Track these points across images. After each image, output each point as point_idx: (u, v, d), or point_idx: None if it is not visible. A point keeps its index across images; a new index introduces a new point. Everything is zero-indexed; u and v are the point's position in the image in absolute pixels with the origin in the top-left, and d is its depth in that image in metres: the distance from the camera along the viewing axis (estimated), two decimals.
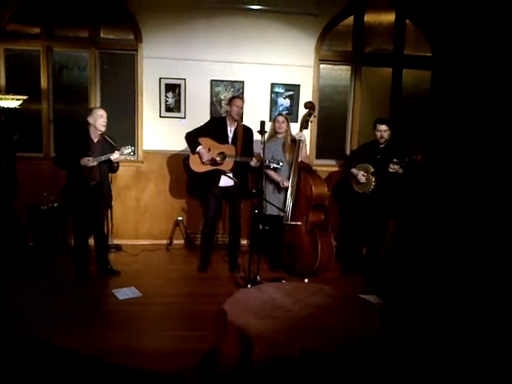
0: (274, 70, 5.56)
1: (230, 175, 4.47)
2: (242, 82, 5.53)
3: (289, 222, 4.60)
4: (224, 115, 4.98)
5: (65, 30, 5.37)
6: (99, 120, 4.18)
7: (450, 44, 5.57)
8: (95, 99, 5.43)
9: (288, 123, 4.70)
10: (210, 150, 4.54)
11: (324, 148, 5.86)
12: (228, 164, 4.54)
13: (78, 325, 3.46)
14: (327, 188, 4.65)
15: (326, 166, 5.72)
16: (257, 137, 4.52)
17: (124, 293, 4.10)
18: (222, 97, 5.50)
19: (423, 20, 5.67)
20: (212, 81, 5.48)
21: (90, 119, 4.20)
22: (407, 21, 5.70)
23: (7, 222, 5.02)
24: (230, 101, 4.67)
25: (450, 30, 5.52)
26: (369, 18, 5.68)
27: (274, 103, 5.62)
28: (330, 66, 5.78)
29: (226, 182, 4.62)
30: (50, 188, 4.98)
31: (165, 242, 5.58)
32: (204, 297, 4.11)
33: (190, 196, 5.62)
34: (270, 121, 5.22)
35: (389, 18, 5.73)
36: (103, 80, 5.50)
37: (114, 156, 4.21)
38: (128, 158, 4.71)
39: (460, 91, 5.50)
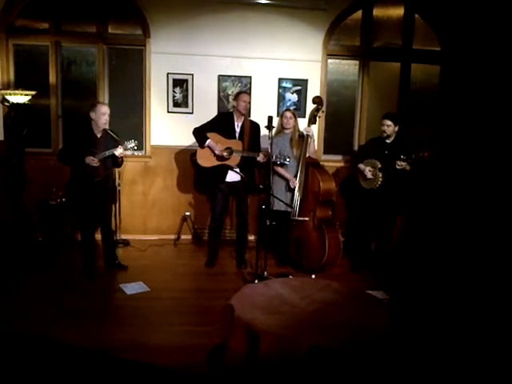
0: (282, 64, 5.54)
1: (237, 170, 4.47)
2: (250, 77, 5.52)
3: (296, 218, 4.60)
4: (231, 110, 4.98)
5: (73, 25, 5.39)
6: (102, 117, 4.14)
7: (458, 38, 5.52)
8: (103, 94, 5.45)
9: (295, 118, 4.69)
10: (217, 144, 4.54)
11: (332, 143, 5.85)
12: (235, 159, 4.53)
13: (86, 320, 3.48)
14: (335, 183, 4.64)
15: (334, 162, 5.71)
16: (264, 132, 4.51)
17: (132, 288, 4.12)
18: (230, 92, 5.50)
19: (432, 14, 5.62)
20: (219, 76, 5.48)
21: (92, 115, 4.15)
22: (416, 15, 5.66)
23: (16, 216, 5.07)
24: (237, 96, 4.66)
25: (459, 24, 5.47)
26: (377, 12, 5.65)
27: (281, 98, 5.61)
28: (337, 60, 5.76)
29: (232, 177, 4.62)
30: (58, 183, 5.01)
31: (172, 237, 5.60)
32: (211, 292, 4.12)
33: (197, 191, 5.64)
34: (277, 116, 5.21)
35: (397, 12, 5.69)
36: (111, 75, 5.51)
37: (118, 151, 4.18)
38: (133, 152, 4.72)
39: (469, 86, 5.45)
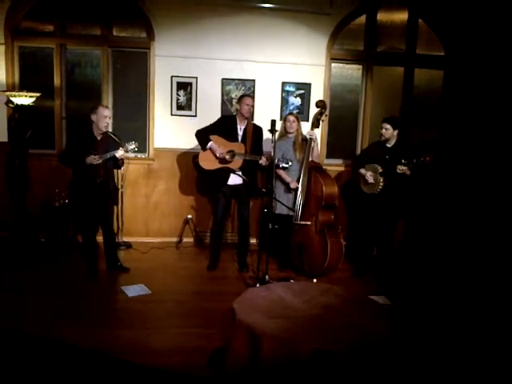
0: (285, 68, 5.56)
1: (239, 173, 4.47)
2: (253, 81, 5.54)
3: (298, 222, 4.59)
4: (234, 114, 4.99)
5: (78, 27, 5.41)
6: (102, 120, 4.15)
7: (462, 43, 5.53)
8: (107, 97, 5.47)
9: (299, 122, 4.69)
10: (220, 146, 4.54)
11: (335, 147, 5.85)
12: (237, 162, 4.54)
13: (88, 321, 3.49)
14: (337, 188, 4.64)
15: (337, 166, 5.71)
16: (267, 136, 4.51)
17: (133, 290, 4.13)
18: (233, 95, 5.51)
19: (436, 19, 5.63)
20: (223, 79, 5.49)
21: (94, 117, 4.16)
22: (420, 20, 5.67)
23: (19, 217, 5.09)
24: (240, 99, 4.66)
25: (463, 29, 5.47)
26: (381, 16, 5.67)
27: (284, 102, 5.62)
28: (341, 64, 5.77)
29: (234, 180, 4.62)
30: (61, 185, 5.02)
31: (174, 239, 5.61)
32: (213, 295, 4.13)
33: (199, 194, 5.65)
34: (280, 119, 5.23)
35: (401, 17, 5.70)
36: (115, 78, 5.54)
37: (119, 153, 4.19)
38: (136, 154, 4.74)
39: (472, 91, 5.45)
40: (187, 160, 5.49)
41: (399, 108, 5.81)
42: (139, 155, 5.39)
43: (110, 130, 5.19)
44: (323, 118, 4.75)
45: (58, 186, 5.06)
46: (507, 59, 5.03)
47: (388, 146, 4.55)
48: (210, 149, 4.54)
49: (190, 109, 5.51)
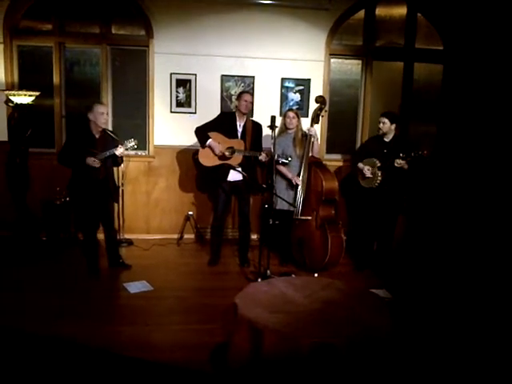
0: (285, 64, 5.55)
1: (239, 169, 4.48)
2: (253, 77, 5.54)
3: (299, 217, 4.61)
4: (234, 110, 4.99)
5: (77, 26, 5.41)
6: (100, 117, 4.15)
7: (461, 37, 5.52)
8: (107, 95, 5.47)
9: (298, 118, 4.69)
10: (219, 144, 4.55)
11: (335, 143, 5.86)
12: (237, 158, 4.55)
13: (90, 318, 3.50)
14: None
15: (336, 161, 5.72)
16: (267, 132, 4.52)
17: (135, 286, 4.14)
18: (233, 92, 5.51)
19: (435, 13, 5.62)
20: (222, 76, 5.49)
21: (91, 116, 4.15)
22: (418, 14, 5.66)
23: (20, 216, 5.10)
24: (239, 96, 4.67)
25: (462, 23, 5.47)
26: (380, 11, 5.66)
27: (284, 98, 5.62)
28: (340, 60, 5.77)
29: (234, 176, 4.63)
30: (62, 183, 5.02)
31: (175, 236, 5.62)
32: (214, 291, 4.14)
33: (199, 191, 5.66)
34: (280, 115, 5.23)
35: (400, 11, 5.69)
36: (115, 76, 5.54)
37: (119, 151, 4.20)
38: (136, 152, 4.75)
39: (472, 85, 5.45)
40: (187, 157, 5.50)
41: (399, 103, 5.81)
42: (139, 153, 5.39)
43: (110, 127, 5.24)
44: (323, 113, 4.76)
45: (59, 185, 5.06)
46: (506, 53, 5.02)
47: (386, 140, 4.57)
48: (209, 146, 4.55)
49: (189, 106, 5.52)
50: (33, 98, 4.97)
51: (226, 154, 4.52)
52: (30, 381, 2.67)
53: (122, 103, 5.57)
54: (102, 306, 3.75)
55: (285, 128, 4.72)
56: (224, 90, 5.52)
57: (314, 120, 4.70)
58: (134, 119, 5.60)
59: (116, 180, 4.67)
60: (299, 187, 4.59)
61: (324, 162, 4.92)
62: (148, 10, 5.30)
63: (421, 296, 4.11)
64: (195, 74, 5.46)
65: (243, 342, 2.50)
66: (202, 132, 4.58)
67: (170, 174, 5.61)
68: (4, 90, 5.05)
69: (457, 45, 5.58)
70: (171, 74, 5.43)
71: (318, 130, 5.36)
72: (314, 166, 4.63)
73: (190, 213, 5.61)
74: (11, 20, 5.21)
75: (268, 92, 5.57)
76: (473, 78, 5.44)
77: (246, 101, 4.57)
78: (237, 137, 4.62)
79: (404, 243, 5.36)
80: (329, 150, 5.84)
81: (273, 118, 4.21)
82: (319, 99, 4.73)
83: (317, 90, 5.54)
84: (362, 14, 5.62)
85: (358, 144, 5.79)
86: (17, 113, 4.98)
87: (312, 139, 4.62)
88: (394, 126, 4.52)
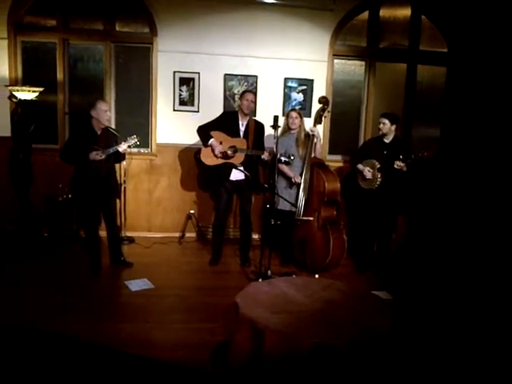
0: (288, 64, 5.55)
1: (241, 168, 4.48)
2: (256, 77, 5.54)
3: (301, 218, 4.61)
4: (236, 109, 4.99)
5: (81, 22, 5.41)
6: (103, 115, 4.17)
7: (465, 39, 5.52)
8: (110, 92, 5.48)
9: (301, 118, 4.69)
10: (221, 143, 4.55)
11: (337, 143, 5.86)
12: (239, 157, 4.55)
13: (91, 315, 3.51)
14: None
15: (337, 162, 5.72)
16: (270, 131, 4.52)
17: (136, 284, 4.15)
18: (236, 91, 5.51)
19: (439, 15, 5.62)
20: (226, 75, 5.50)
21: (94, 113, 4.17)
22: (423, 16, 5.66)
23: (22, 212, 5.11)
24: (242, 95, 4.68)
25: (466, 25, 5.46)
26: (384, 13, 5.66)
27: (287, 98, 5.62)
28: (343, 60, 5.77)
29: (236, 175, 4.63)
30: (65, 179, 5.02)
31: (177, 234, 5.62)
32: (215, 290, 4.15)
33: (201, 189, 5.66)
34: (283, 115, 5.22)
35: (404, 13, 5.69)
36: (118, 73, 5.54)
37: (123, 147, 4.23)
38: (139, 150, 4.75)
39: (475, 87, 5.44)
40: (189, 156, 5.50)
41: (402, 104, 5.81)
42: (142, 150, 5.39)
43: (113, 125, 5.25)
44: (325, 114, 4.76)
45: (61, 181, 5.07)
46: (510, 55, 5.02)
47: (386, 141, 4.57)
48: (211, 146, 4.55)
49: (192, 104, 5.52)
50: (36, 93, 4.97)
51: (229, 152, 4.52)
52: (32, 377, 2.68)
53: (125, 100, 5.57)
54: (104, 304, 3.75)
55: (287, 128, 4.72)
56: (227, 89, 5.53)
57: (317, 120, 4.71)
58: (136, 117, 5.61)
59: (118, 177, 4.67)
60: (301, 187, 4.59)
61: (326, 163, 4.92)
62: (152, 7, 5.30)
63: (422, 297, 4.12)
64: (198, 73, 5.46)
65: (244, 341, 2.50)
66: (204, 131, 4.58)
67: (172, 172, 5.61)
68: (8, 86, 5.05)
69: (461, 47, 5.58)
70: (174, 72, 5.44)
71: (321, 130, 5.36)
72: (317, 166, 4.63)
73: (192, 211, 5.61)
74: (15, 16, 5.21)
75: (271, 92, 5.57)
76: (476, 80, 5.43)
77: (247, 100, 4.58)
78: (239, 136, 4.63)
79: (405, 245, 5.36)
80: (331, 151, 5.84)
81: (275, 118, 4.21)
82: (322, 100, 4.73)
83: (320, 90, 5.54)
84: (366, 14, 5.62)
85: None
86: (20, 108, 4.99)
87: (314, 140, 4.62)
88: (394, 127, 4.53)
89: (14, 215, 5.13)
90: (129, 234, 5.49)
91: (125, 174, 5.32)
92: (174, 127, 5.54)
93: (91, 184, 4.21)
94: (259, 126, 4.74)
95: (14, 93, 4.92)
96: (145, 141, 5.46)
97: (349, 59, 5.77)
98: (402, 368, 2.71)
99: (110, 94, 5.48)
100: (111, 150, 4.19)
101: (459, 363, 3.02)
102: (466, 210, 5.30)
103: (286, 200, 4.47)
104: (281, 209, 4.58)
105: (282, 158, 4.42)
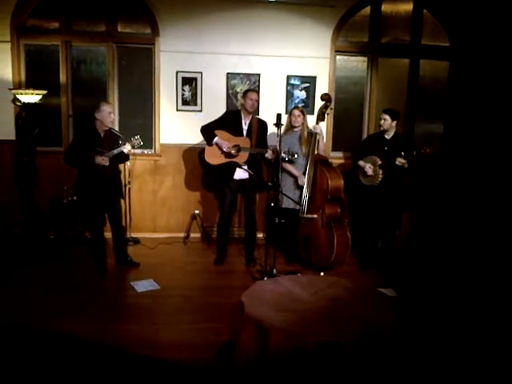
0: (290, 62, 5.54)
1: (245, 167, 4.48)
2: (258, 75, 5.53)
3: (305, 215, 4.60)
4: (239, 108, 4.99)
5: (83, 24, 5.42)
6: (108, 116, 4.17)
7: (467, 34, 5.48)
8: (113, 93, 5.49)
9: (304, 116, 4.67)
10: (225, 141, 4.55)
11: (340, 140, 5.84)
12: (243, 156, 4.55)
13: (97, 316, 3.53)
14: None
15: (340, 159, 5.71)
16: (273, 130, 4.52)
17: (142, 285, 4.16)
18: (238, 90, 5.51)
19: (441, 10, 5.58)
20: (228, 74, 5.49)
21: (98, 115, 4.17)
22: (424, 10, 5.63)
23: (28, 214, 5.14)
24: (245, 94, 4.67)
25: (468, 19, 5.43)
26: (386, 8, 5.63)
27: (289, 95, 5.61)
28: (346, 57, 5.75)
29: (240, 174, 4.63)
30: (69, 182, 5.05)
31: (182, 235, 5.63)
32: (221, 290, 4.15)
33: (205, 189, 5.66)
34: (286, 113, 5.21)
35: (406, 8, 5.66)
36: (121, 74, 5.55)
37: (127, 148, 4.25)
38: (143, 150, 4.78)
39: (478, 81, 5.41)
40: (193, 155, 5.51)
41: (405, 100, 5.78)
42: (146, 151, 5.40)
43: (116, 126, 5.27)
44: (328, 111, 4.74)
45: (66, 183, 5.09)
46: None
47: (387, 137, 4.56)
48: (216, 144, 4.55)
49: (195, 104, 5.52)
50: (40, 96, 4.99)
51: (232, 151, 4.52)
52: (40, 377, 2.70)
53: (128, 102, 5.58)
54: (110, 305, 3.77)
55: (290, 126, 4.71)
56: (230, 88, 5.52)
57: (320, 118, 4.69)
58: (140, 118, 5.61)
59: (122, 178, 4.68)
60: (305, 185, 4.58)
61: (330, 160, 4.91)
62: (154, 7, 5.30)
63: (427, 295, 4.10)
64: (201, 72, 5.46)
65: (250, 340, 2.51)
66: (207, 130, 4.58)
67: (177, 172, 5.62)
68: (11, 89, 5.07)
69: (463, 41, 5.55)
70: (177, 72, 5.44)
71: (324, 127, 5.35)
72: (320, 164, 4.62)
73: (197, 211, 5.62)
74: (18, 19, 5.23)
75: (274, 90, 5.57)
76: (479, 74, 5.40)
77: (251, 99, 4.57)
78: (242, 135, 4.62)
79: (410, 242, 5.34)
80: (334, 148, 5.83)
81: (278, 116, 4.21)
82: (325, 97, 4.72)
83: (322, 87, 5.53)
84: (367, 10, 5.59)
85: None
86: (24, 112, 5.01)
87: (318, 137, 4.61)
88: (394, 123, 4.51)
89: (20, 218, 5.16)
90: (134, 235, 5.50)
91: (129, 174, 5.33)
92: (177, 127, 5.54)
93: (96, 186, 4.21)
94: (262, 125, 4.74)
95: (17, 96, 4.95)
96: (148, 141, 5.48)
97: (351, 55, 5.75)
98: (407, 365, 2.70)
99: (113, 96, 5.49)
100: (115, 152, 4.20)
101: (464, 360, 3.01)
102: (469, 205, 5.27)
103: (289, 198, 4.47)
104: (285, 207, 4.57)
105: (286, 157, 4.41)
